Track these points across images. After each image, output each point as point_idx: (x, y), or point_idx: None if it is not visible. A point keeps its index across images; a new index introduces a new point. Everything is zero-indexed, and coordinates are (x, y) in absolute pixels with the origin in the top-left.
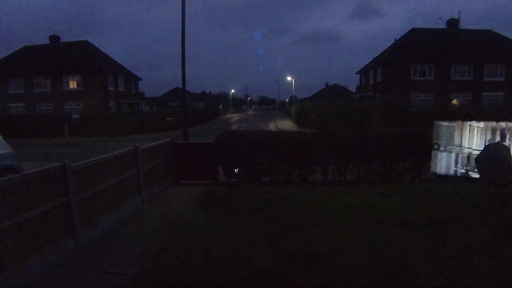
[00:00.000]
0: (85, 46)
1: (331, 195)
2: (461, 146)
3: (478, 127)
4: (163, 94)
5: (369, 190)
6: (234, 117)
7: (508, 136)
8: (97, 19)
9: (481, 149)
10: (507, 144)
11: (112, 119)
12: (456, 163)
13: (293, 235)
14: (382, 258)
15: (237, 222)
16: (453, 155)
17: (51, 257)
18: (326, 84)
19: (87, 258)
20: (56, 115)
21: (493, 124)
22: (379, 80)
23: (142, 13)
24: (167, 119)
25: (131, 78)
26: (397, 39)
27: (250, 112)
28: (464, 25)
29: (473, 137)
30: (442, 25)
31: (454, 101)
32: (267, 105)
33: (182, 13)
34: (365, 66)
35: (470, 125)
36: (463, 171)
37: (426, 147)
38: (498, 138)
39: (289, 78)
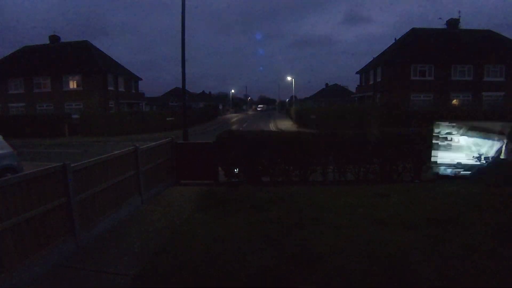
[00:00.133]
0: (85, 46)
1: (331, 195)
2: None
3: None
4: (163, 94)
5: (369, 190)
6: (234, 117)
7: None
8: (102, 24)
9: None
10: None
11: (112, 119)
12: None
13: (293, 235)
14: (382, 258)
15: (237, 222)
16: None
17: (51, 257)
18: (326, 84)
19: (87, 258)
20: (56, 115)
21: None
22: (379, 80)
23: (146, 18)
24: (167, 119)
25: (131, 78)
26: (397, 39)
27: (250, 112)
28: (464, 25)
29: None
30: (442, 25)
31: (454, 101)
32: (268, 105)
33: (182, 13)
34: (365, 66)
35: None
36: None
37: (426, 147)
38: None
39: (289, 78)
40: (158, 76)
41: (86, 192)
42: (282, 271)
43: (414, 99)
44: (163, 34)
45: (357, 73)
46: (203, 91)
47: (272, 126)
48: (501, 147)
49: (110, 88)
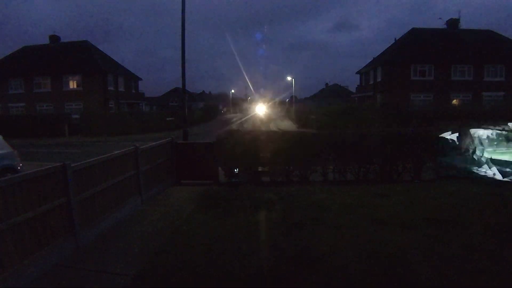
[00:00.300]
0: (85, 46)
1: (331, 195)
2: None
3: None
4: (163, 94)
5: (369, 190)
6: (234, 117)
7: None
8: (102, 24)
9: None
10: None
11: (112, 119)
12: None
13: (293, 235)
14: (382, 258)
15: (237, 222)
16: None
17: (51, 257)
18: (326, 84)
19: (87, 258)
20: (56, 115)
21: None
22: (379, 80)
23: (148, 21)
24: (167, 119)
25: (131, 78)
26: (397, 39)
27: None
28: (464, 25)
29: None
30: (442, 25)
31: (454, 101)
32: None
33: (182, 13)
34: (365, 66)
35: None
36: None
37: (426, 147)
38: None
39: (289, 78)
40: (158, 76)
41: (86, 192)
42: (282, 271)
43: (414, 99)
44: (163, 34)
45: (357, 73)
46: (203, 91)
47: (272, 126)
48: None
49: (110, 88)
